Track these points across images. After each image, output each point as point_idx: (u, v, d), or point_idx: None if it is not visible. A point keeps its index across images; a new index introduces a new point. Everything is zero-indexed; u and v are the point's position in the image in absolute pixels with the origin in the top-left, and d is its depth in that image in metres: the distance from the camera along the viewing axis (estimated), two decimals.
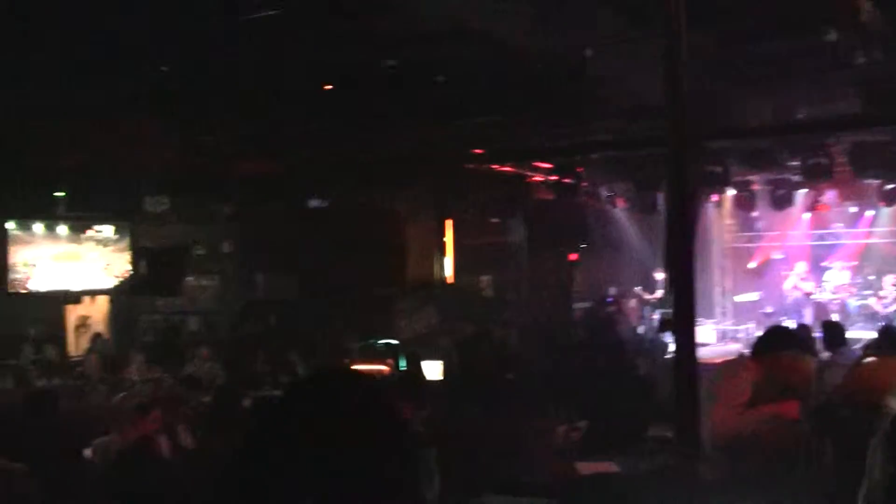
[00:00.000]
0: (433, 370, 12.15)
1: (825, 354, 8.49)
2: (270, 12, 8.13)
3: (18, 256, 11.78)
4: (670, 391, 4.95)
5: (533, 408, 10.26)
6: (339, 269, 17.54)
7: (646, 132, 11.89)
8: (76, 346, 18.39)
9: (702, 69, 8.37)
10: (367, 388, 1.51)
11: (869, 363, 4.99)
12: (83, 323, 18.80)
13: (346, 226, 17.60)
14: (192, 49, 9.13)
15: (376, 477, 1.40)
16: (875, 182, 16.44)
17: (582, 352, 13.68)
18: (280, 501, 1.40)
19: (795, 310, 18.60)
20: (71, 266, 12.21)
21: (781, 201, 17.37)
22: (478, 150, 13.87)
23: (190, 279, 18.27)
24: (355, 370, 1.61)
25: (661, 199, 15.40)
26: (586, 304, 19.38)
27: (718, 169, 14.68)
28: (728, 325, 21.03)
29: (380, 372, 11.34)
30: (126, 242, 12.67)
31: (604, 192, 18.80)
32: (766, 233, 21.16)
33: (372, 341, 13.71)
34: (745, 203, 18.55)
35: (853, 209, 19.83)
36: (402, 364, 12.36)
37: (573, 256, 19.20)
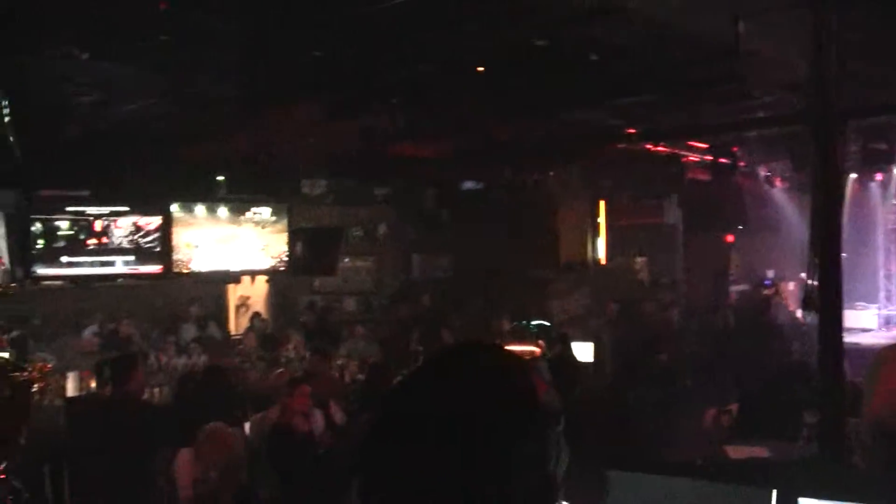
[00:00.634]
0: (584, 352, 12.13)
1: None
2: None
3: (181, 238, 12.21)
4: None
5: (684, 390, 10.15)
6: (492, 250, 17.63)
7: (802, 108, 11.55)
8: (236, 325, 19.02)
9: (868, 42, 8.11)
10: (504, 361, 1.51)
11: None
12: (243, 303, 19.40)
13: (500, 207, 17.66)
14: (350, 32, 9.28)
15: (504, 451, 1.41)
16: None
17: (736, 335, 13.43)
18: (414, 473, 1.42)
19: None
20: (231, 247, 12.60)
21: None
22: (631, 130, 13.69)
23: (346, 260, 18.64)
24: (494, 344, 1.61)
25: None
26: (743, 288, 18.99)
27: (883, 146, 14.12)
28: (893, 311, 20.25)
29: (531, 353, 11.35)
30: (283, 224, 12.99)
31: (761, 172, 18.34)
32: None
33: (524, 322, 13.72)
34: None
35: None
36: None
37: (729, 238, 18.82)
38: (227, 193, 12.17)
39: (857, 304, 18.09)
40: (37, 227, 11.24)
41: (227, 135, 12.47)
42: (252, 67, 10.65)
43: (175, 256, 12.11)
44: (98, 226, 11.71)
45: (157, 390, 11.09)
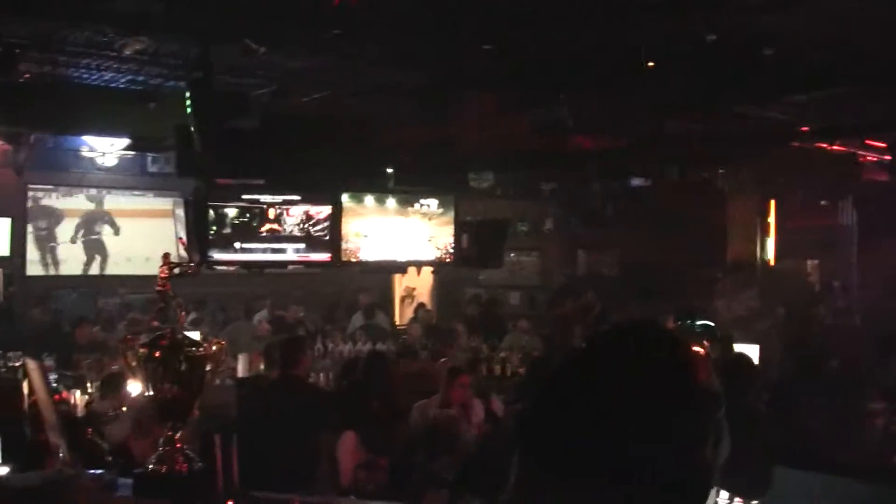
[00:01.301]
0: (750, 354, 11.83)
1: None
2: None
3: (351, 227, 12.47)
4: None
5: (856, 395, 9.83)
6: (658, 247, 17.42)
7: None
8: (401, 315, 19.33)
9: None
10: (666, 339, 1.51)
11: None
12: (409, 294, 19.73)
13: (668, 204, 17.43)
14: (524, 25, 9.33)
15: (660, 429, 1.41)
16: None
17: None
18: (569, 448, 1.43)
19: None
20: (398, 238, 12.80)
21: None
22: (804, 128, 13.31)
23: (511, 254, 18.72)
24: (656, 322, 1.60)
25: None
26: None
27: None
28: None
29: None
30: (450, 216, 13.11)
31: None
32: None
33: (689, 321, 13.50)
34: None
35: None
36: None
37: None
38: (395, 184, 12.37)
39: None
40: (213, 214, 11.65)
41: (398, 126, 12.68)
42: (425, 59, 10.81)
43: (344, 245, 12.37)
44: (271, 214, 12.06)
45: (322, 375, 11.40)
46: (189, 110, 10.29)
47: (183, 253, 12.32)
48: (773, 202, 17.01)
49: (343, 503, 4.58)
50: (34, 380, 4.56)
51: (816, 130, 13.36)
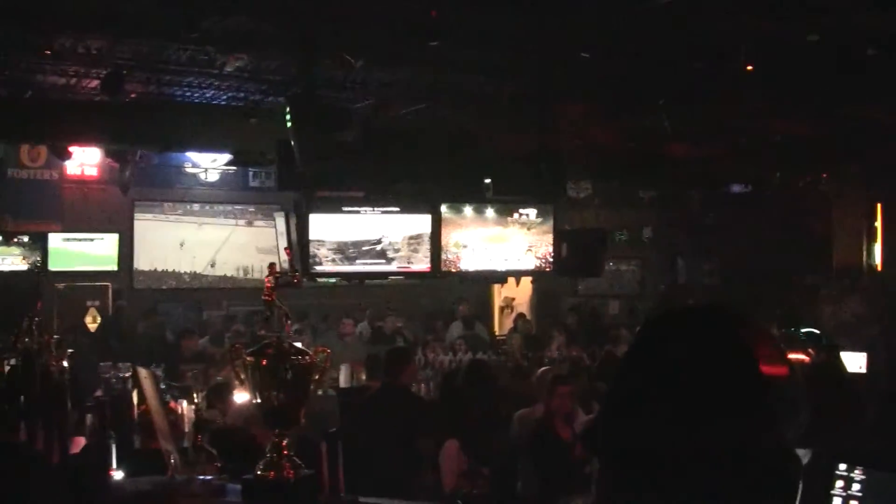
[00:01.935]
0: (855, 362, 11.56)
1: None
2: None
3: (450, 238, 12.52)
4: None
5: None
6: (760, 254, 17.15)
7: None
8: (500, 325, 19.34)
9: None
10: (736, 320, 1.47)
11: None
12: (508, 304, 19.74)
13: (770, 210, 17.16)
14: (619, 31, 9.29)
15: (731, 409, 1.39)
16: None
17: None
18: (647, 433, 1.41)
19: None
20: (497, 248, 12.80)
21: None
22: None
23: (610, 263, 18.60)
24: (725, 305, 1.57)
25: None
26: None
27: None
28: None
29: (800, 361, 10.94)
30: (549, 225, 13.07)
31: None
32: None
33: (793, 329, 13.25)
34: None
35: None
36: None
37: None
38: (494, 194, 12.38)
39: None
40: (315, 226, 11.79)
41: (496, 136, 12.72)
42: (522, 69, 10.83)
43: (443, 256, 12.43)
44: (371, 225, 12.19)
45: (423, 385, 11.45)
46: (289, 125, 10.44)
47: (286, 265, 12.50)
48: (879, 205, 16.58)
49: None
50: (146, 388, 4.68)
51: None
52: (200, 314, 18.17)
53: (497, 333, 18.39)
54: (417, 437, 7.70)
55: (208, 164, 18.43)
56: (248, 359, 4.01)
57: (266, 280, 4.11)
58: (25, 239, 16.41)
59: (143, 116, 12.33)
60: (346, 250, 11.91)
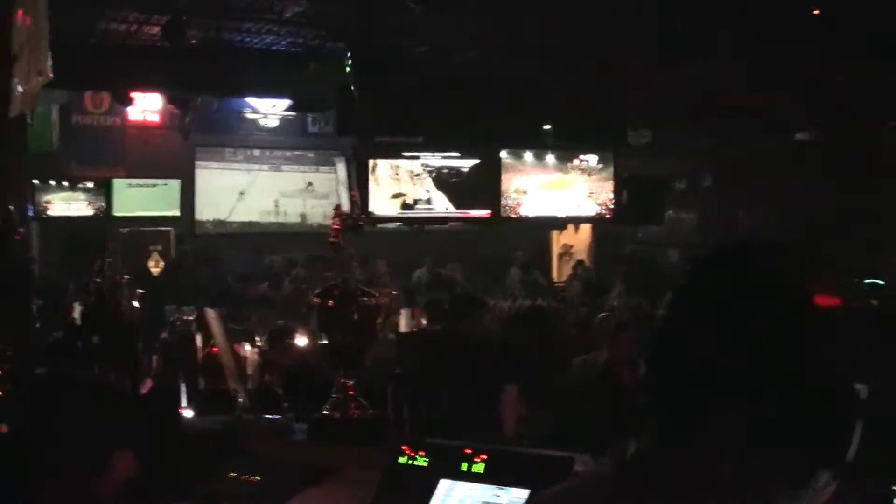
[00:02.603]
0: None
1: None
2: None
3: (510, 184, 12.50)
4: None
5: None
6: (824, 203, 16.91)
7: None
8: (558, 272, 19.30)
9: None
10: (786, 257, 1.47)
11: None
12: (566, 251, 19.66)
13: (835, 159, 16.88)
14: None
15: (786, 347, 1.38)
16: None
17: None
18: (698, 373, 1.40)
19: None
20: (557, 194, 12.76)
21: None
22: None
23: (669, 212, 18.44)
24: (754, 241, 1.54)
25: None
26: None
27: None
28: None
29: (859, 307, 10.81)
30: (610, 172, 13.00)
31: None
32: None
33: (857, 279, 13.10)
34: None
35: None
36: None
37: None
38: (554, 140, 12.33)
39: None
40: (373, 171, 11.83)
41: (557, 82, 12.62)
42: (582, 14, 10.71)
43: (503, 202, 12.42)
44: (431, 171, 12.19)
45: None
46: (349, 70, 10.44)
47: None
48: None
49: (519, 448, 4.61)
50: (214, 328, 4.74)
51: None
52: (260, 259, 18.33)
53: (556, 280, 18.38)
54: (478, 382, 7.74)
55: (268, 110, 18.50)
56: (315, 300, 4.04)
57: (332, 222, 4.13)
58: (90, 185, 16.66)
59: (204, 62, 12.39)
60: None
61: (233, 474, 3.82)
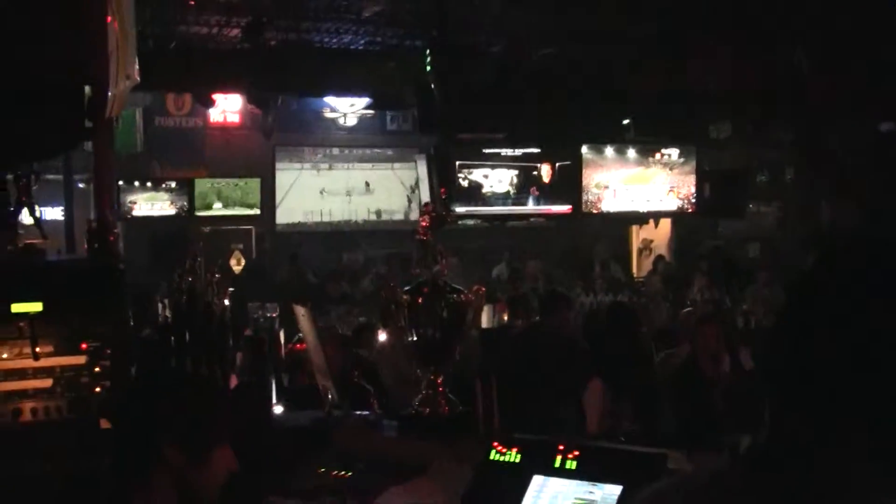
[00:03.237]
0: None
1: None
2: None
3: (591, 179, 12.44)
4: None
5: None
6: None
7: None
8: (638, 267, 19.15)
9: None
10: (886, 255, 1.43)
11: None
12: (646, 246, 19.50)
13: None
14: None
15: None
16: None
17: None
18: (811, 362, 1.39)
19: None
20: (638, 189, 12.66)
21: None
22: None
23: (751, 205, 18.19)
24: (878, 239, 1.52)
25: None
26: None
27: None
28: None
29: None
30: (691, 166, 12.86)
31: None
32: None
33: None
34: None
35: None
36: None
37: None
38: (635, 135, 12.23)
39: None
40: (455, 167, 11.85)
41: (637, 76, 12.51)
42: (663, 8, 10.62)
43: (585, 197, 12.36)
44: (512, 166, 12.19)
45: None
46: (428, 67, 10.47)
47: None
48: None
49: (612, 443, 4.58)
50: (303, 325, 4.77)
51: None
52: (340, 257, 18.47)
53: (636, 275, 18.25)
54: (563, 377, 7.73)
55: (347, 109, 18.63)
56: (404, 297, 4.06)
57: (421, 220, 4.15)
58: (173, 185, 16.92)
59: (283, 63, 12.51)
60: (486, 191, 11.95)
61: (323, 469, 3.85)
